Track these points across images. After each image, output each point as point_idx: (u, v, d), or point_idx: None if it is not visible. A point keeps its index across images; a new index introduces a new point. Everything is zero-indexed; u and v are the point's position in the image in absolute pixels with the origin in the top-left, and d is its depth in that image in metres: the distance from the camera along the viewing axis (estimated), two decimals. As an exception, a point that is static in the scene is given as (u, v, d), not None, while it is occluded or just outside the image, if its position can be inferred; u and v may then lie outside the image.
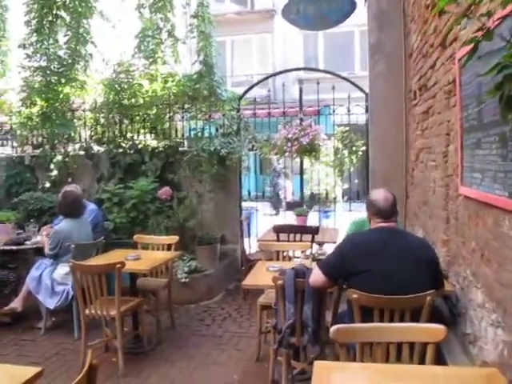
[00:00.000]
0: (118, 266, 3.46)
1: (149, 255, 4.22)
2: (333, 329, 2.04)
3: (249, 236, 5.78)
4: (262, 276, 3.43)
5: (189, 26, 6.55)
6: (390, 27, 5.34)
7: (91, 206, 5.52)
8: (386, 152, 5.42)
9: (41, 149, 7.05)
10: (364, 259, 2.63)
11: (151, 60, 6.45)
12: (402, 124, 5.28)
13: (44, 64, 6.56)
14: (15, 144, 7.33)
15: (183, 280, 5.19)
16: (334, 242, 4.85)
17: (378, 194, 2.86)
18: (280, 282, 2.91)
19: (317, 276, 2.79)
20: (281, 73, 7.21)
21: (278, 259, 4.13)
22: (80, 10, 6.46)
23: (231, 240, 6.30)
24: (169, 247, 4.58)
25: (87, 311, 3.63)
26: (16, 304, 4.58)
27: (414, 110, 4.69)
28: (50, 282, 4.43)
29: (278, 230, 5.18)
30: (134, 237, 4.70)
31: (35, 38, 6.49)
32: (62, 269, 4.40)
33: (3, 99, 7.36)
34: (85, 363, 1.68)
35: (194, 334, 4.50)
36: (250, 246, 5.95)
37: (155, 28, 6.58)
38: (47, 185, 6.90)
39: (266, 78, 6.68)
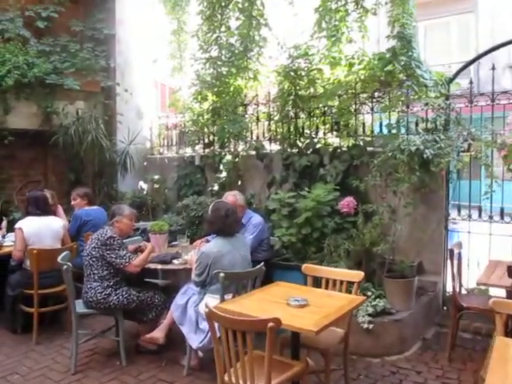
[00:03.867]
0: (271, 324, 2.31)
1: (321, 299, 2.99)
2: None
3: (458, 272, 4.07)
4: None
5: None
6: None
7: (256, 219, 4.58)
8: None
9: (211, 148, 6.45)
10: None
11: (334, 39, 5.19)
12: None
13: (215, 54, 5.87)
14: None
15: (366, 325, 3.84)
16: None
17: None
18: None
19: None
20: (490, 52, 5.08)
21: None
22: (254, -11, 5.58)
23: (430, 270, 4.74)
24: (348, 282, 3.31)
25: (226, 377, 2.56)
26: (159, 334, 3.85)
27: None
28: (194, 314, 3.57)
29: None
30: (303, 267, 3.54)
31: (207, 27, 5.84)
32: (210, 301, 3.47)
33: (177, 96, 6.95)
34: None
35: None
36: (461, 283, 4.23)
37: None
38: (216, 188, 6.28)
39: (473, 61, 4.80)
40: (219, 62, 5.88)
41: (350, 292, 3.28)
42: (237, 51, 5.77)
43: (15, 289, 4.39)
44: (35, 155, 6.56)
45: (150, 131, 7.59)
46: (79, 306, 3.82)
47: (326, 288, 3.36)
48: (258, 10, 5.61)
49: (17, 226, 4.42)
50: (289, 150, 5.58)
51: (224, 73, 5.90)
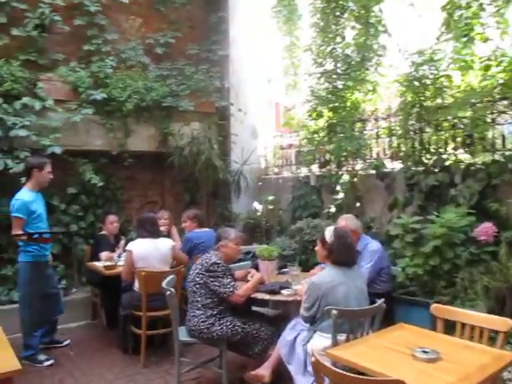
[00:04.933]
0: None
1: (457, 352, 2.40)
2: None
3: None
4: None
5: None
6: None
7: (374, 245, 4.08)
8: None
9: (327, 167, 6.06)
10: None
11: (465, 40, 4.51)
12: None
13: (330, 67, 5.52)
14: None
15: (514, 383, 3.10)
16: None
17: None
18: None
19: None
20: None
21: None
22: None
23: None
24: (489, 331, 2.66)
25: None
26: (264, 371, 3.50)
27: None
28: (303, 354, 3.16)
29: None
30: (433, 307, 2.96)
31: (320, 40, 5.52)
32: (319, 340, 3.06)
33: (291, 114, 6.70)
34: None
35: None
36: None
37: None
38: (332, 209, 5.85)
39: None
40: (334, 76, 5.52)
41: (494, 342, 2.63)
42: (353, 62, 5.35)
43: (125, 309, 4.40)
44: (153, 176, 6.75)
45: (264, 151, 7.44)
46: (182, 334, 3.64)
47: (462, 336, 2.73)
48: (376, 16, 5.15)
49: (127, 247, 4.44)
50: (413, 168, 4.96)
51: (340, 87, 5.52)
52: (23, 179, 4.64)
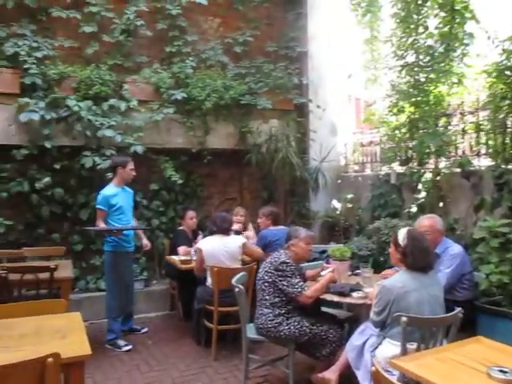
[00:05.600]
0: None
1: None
2: None
3: None
4: None
5: None
6: None
7: (455, 249, 3.83)
8: None
9: (408, 165, 5.78)
10: None
11: None
12: None
13: (412, 60, 5.24)
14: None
15: None
16: None
17: None
18: None
19: None
20: None
21: None
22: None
23: None
24: None
25: None
26: (331, 375, 3.40)
27: None
28: (371, 360, 3.02)
29: None
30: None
31: (401, 31, 5.26)
32: (388, 348, 2.92)
33: (372, 110, 6.46)
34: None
35: None
36: None
37: None
38: (413, 209, 5.57)
39: None
40: (416, 68, 5.23)
41: None
42: (437, 53, 5.03)
43: (199, 303, 4.52)
44: (232, 173, 6.87)
45: (344, 148, 7.26)
46: (251, 331, 3.66)
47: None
48: (462, 1, 4.79)
49: (198, 245, 4.57)
50: (503, 166, 4.57)
51: (422, 80, 5.23)
52: (109, 175, 4.99)
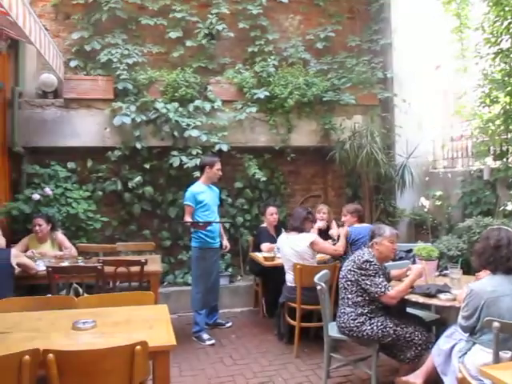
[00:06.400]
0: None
1: None
2: None
3: None
4: None
5: None
6: None
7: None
8: None
9: (504, 160, 5.39)
10: None
11: None
12: None
13: (507, 46, 4.88)
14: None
15: None
16: None
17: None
18: None
19: None
20: None
21: None
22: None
23: None
24: None
25: None
26: (416, 379, 3.28)
27: None
28: (458, 365, 2.86)
29: None
30: None
31: (494, 15, 4.91)
32: (479, 354, 2.74)
33: (462, 102, 6.09)
34: None
35: None
36: None
37: None
38: (509, 207, 5.19)
39: None
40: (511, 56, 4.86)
41: None
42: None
43: (283, 299, 4.57)
44: (316, 171, 6.84)
45: (432, 143, 6.93)
46: (332, 330, 3.63)
47: None
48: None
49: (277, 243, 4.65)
50: None
51: (520, 68, 4.85)
52: (196, 173, 5.21)
